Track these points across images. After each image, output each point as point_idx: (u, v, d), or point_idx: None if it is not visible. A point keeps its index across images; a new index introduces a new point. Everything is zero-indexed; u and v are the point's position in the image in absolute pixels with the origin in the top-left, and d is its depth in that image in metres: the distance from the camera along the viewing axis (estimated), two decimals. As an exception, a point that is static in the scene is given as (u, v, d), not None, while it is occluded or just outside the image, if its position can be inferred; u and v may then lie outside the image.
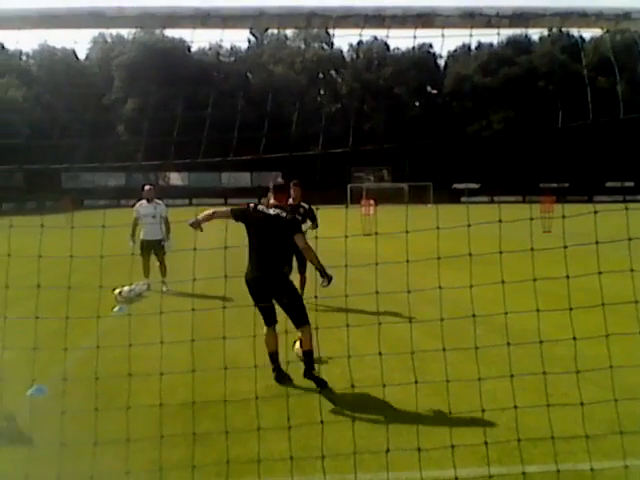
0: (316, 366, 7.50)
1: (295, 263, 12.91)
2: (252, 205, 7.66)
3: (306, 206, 12.69)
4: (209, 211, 7.57)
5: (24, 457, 5.28)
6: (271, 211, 7.56)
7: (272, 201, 7.75)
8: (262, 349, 7.36)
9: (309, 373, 7.46)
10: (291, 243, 7.53)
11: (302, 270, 13.09)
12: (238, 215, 7.54)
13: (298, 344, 9.14)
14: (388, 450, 5.02)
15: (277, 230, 7.41)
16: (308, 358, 7.51)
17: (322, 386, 7.25)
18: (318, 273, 7.48)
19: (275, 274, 7.45)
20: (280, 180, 8.14)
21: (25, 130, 70.85)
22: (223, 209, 7.66)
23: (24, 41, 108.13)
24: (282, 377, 7.53)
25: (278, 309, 7.58)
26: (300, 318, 7.45)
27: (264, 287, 7.42)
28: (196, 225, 7.30)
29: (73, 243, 5.27)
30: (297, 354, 7.85)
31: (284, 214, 7.57)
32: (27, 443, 5.50)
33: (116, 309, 11.70)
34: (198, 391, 6.44)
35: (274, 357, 7.64)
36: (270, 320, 7.59)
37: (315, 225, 12.37)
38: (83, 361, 7.66)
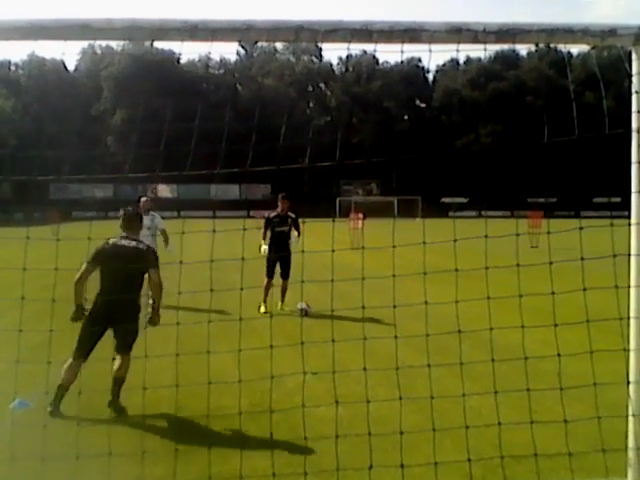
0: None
1: (278, 269, 13.21)
2: (102, 243, 7.30)
3: (293, 216, 13.38)
4: (76, 285, 7.12)
5: (6, 471, 5.23)
6: (126, 242, 7.29)
7: (124, 234, 7.40)
8: (247, 364, 7.28)
9: (114, 403, 7.00)
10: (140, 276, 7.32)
11: (285, 276, 13.27)
12: (93, 261, 7.19)
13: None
14: (371, 466, 4.99)
15: (132, 261, 7.12)
16: (119, 387, 7.04)
17: (120, 413, 6.95)
18: (152, 310, 7.34)
19: (127, 305, 7.09)
20: (129, 209, 7.70)
21: (13, 140, 70.61)
22: (82, 268, 7.14)
23: (13, 51, 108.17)
24: (56, 413, 6.82)
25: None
26: (128, 346, 7.12)
27: (111, 316, 7.02)
28: (79, 309, 7.07)
29: (60, 255, 5.24)
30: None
31: (141, 245, 7.34)
32: (9, 457, 5.43)
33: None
34: (182, 406, 6.41)
35: (63, 390, 6.91)
36: (87, 352, 7.06)
37: (298, 234, 13.25)
38: (66, 374, 7.59)
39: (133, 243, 7.27)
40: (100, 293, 7.14)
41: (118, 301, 6.87)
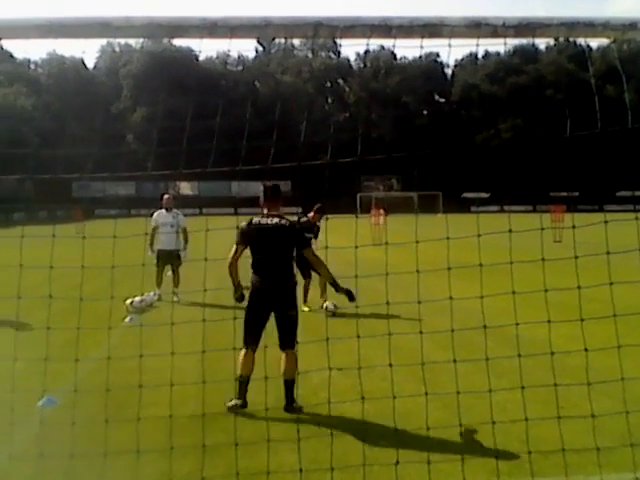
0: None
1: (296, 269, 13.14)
2: (244, 224, 7.26)
3: (318, 224, 13.56)
4: (229, 267, 7.21)
5: (34, 468, 5.28)
6: (269, 221, 7.18)
7: (266, 210, 7.31)
8: (272, 360, 7.29)
9: (290, 406, 6.96)
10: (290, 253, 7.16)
11: (307, 274, 13.16)
12: (242, 241, 7.18)
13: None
14: (397, 462, 5.00)
15: (280, 240, 7.06)
16: (291, 390, 7.02)
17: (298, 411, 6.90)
18: (333, 286, 7.11)
19: (284, 286, 7.10)
20: (269, 184, 7.51)
21: (34, 139, 71.05)
22: (231, 252, 7.23)
23: (33, 50, 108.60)
24: (243, 405, 6.93)
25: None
26: (291, 339, 7.06)
27: (271, 299, 7.05)
28: (239, 289, 7.11)
29: (84, 253, 5.27)
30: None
31: (284, 222, 7.18)
32: (37, 454, 5.49)
33: (127, 319, 11.69)
34: (208, 402, 6.44)
35: (244, 380, 6.98)
36: (256, 339, 7.03)
37: (315, 237, 13.36)
38: (94, 372, 7.66)
39: (275, 220, 7.15)
40: (253, 276, 7.16)
41: (273, 282, 6.99)
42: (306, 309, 12.88)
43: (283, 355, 7.03)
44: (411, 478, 5.23)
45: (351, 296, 7.02)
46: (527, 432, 5.38)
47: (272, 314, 7.13)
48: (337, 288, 7.12)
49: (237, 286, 7.15)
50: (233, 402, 6.92)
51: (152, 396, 6.73)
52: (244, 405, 6.93)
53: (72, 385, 6.06)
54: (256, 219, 7.25)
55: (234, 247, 7.23)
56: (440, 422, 6.33)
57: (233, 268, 7.19)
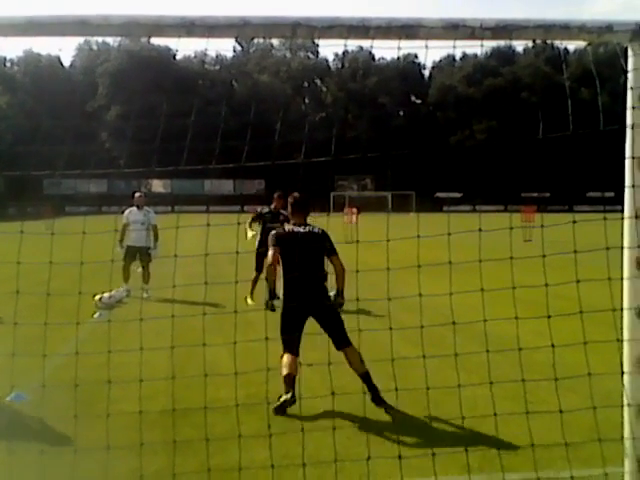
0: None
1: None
2: (279, 230, 7.50)
3: (285, 213, 13.20)
4: (268, 270, 7.40)
5: (3, 464, 5.23)
6: (301, 229, 7.30)
7: (293, 221, 7.45)
8: (242, 356, 7.28)
9: (377, 399, 6.85)
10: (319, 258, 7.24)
11: (260, 268, 13.12)
12: (277, 245, 7.25)
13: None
14: (369, 458, 5.01)
15: (311, 246, 7.12)
16: (368, 381, 6.94)
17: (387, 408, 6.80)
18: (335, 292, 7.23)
19: (318, 290, 7.19)
20: (297, 195, 7.58)
21: (8, 136, 70.40)
22: (270, 253, 7.27)
23: (9, 47, 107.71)
24: (292, 400, 6.83)
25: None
26: (343, 336, 7.10)
27: (306, 304, 7.09)
28: (273, 291, 7.38)
29: (54, 249, 5.23)
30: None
31: (315, 230, 7.31)
32: (5, 450, 5.44)
33: (96, 315, 11.63)
34: (178, 398, 6.42)
35: (289, 386, 6.92)
36: (296, 345, 7.11)
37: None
38: (62, 368, 7.60)
39: (308, 228, 7.31)
40: (285, 283, 7.21)
41: (305, 287, 7.05)
42: (250, 302, 12.92)
43: (342, 355, 7.01)
44: (382, 473, 5.26)
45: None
46: (497, 428, 5.42)
47: (310, 318, 7.22)
48: (338, 295, 7.22)
49: (272, 293, 7.39)
50: (282, 398, 6.84)
51: (121, 392, 6.70)
52: (293, 399, 6.80)
53: (40, 381, 6.01)
54: (288, 226, 7.45)
55: (270, 251, 7.28)
56: (410, 418, 6.37)
57: (270, 272, 7.32)
